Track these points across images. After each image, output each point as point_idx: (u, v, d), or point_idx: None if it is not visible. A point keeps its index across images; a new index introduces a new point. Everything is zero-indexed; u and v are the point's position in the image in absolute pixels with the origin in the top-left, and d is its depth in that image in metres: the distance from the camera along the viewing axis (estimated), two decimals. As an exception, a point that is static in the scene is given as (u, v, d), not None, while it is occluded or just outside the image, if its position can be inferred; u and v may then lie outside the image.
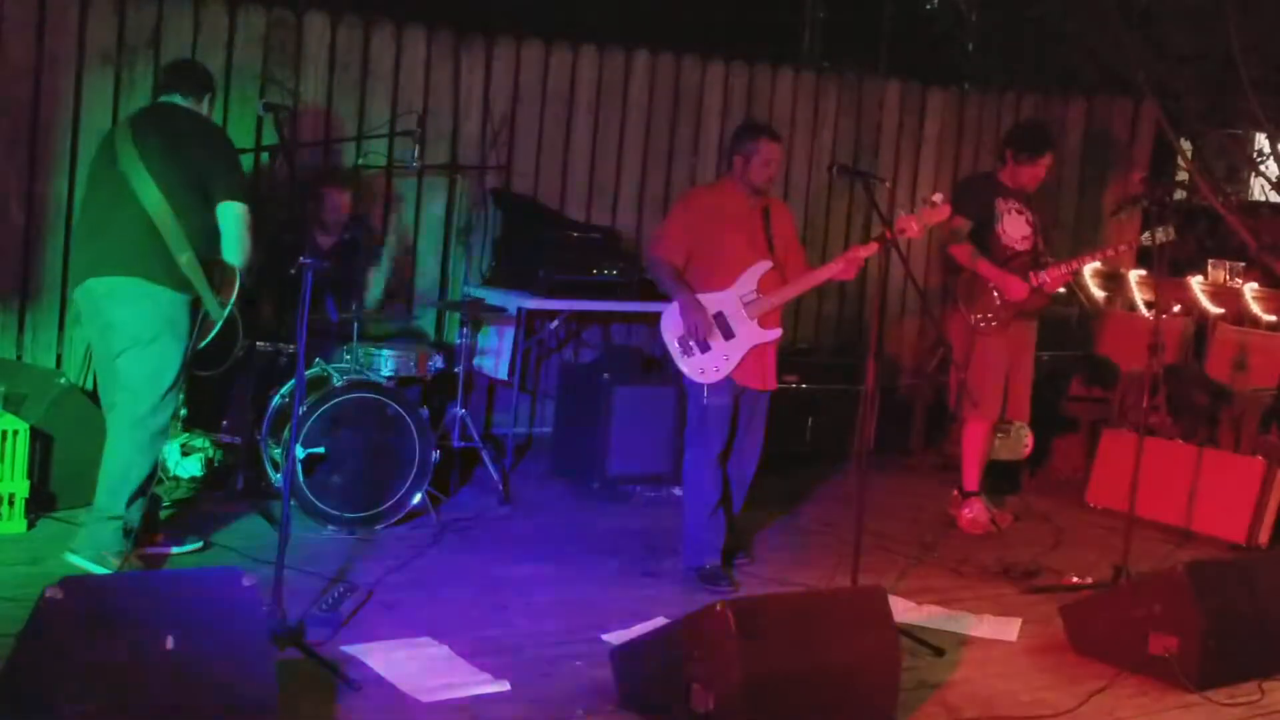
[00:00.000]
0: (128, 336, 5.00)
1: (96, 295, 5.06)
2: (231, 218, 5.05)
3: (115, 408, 5.09)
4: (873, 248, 5.48)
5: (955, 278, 6.78)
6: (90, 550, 4.97)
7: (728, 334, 5.54)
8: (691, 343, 5.53)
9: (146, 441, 5.05)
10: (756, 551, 6.11)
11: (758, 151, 5.59)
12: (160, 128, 5.09)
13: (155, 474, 5.22)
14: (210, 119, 5.32)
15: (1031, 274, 6.61)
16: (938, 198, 5.54)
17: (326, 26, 7.19)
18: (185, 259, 4.96)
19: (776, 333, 5.64)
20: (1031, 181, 6.74)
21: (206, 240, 5.03)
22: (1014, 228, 6.68)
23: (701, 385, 5.56)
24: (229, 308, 5.10)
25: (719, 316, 5.54)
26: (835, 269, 5.61)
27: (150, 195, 4.94)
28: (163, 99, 5.25)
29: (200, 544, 5.47)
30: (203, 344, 5.14)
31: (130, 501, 5.02)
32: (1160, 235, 6.39)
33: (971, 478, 6.81)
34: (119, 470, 5.02)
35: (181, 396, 5.28)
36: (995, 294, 6.61)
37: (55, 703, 3.28)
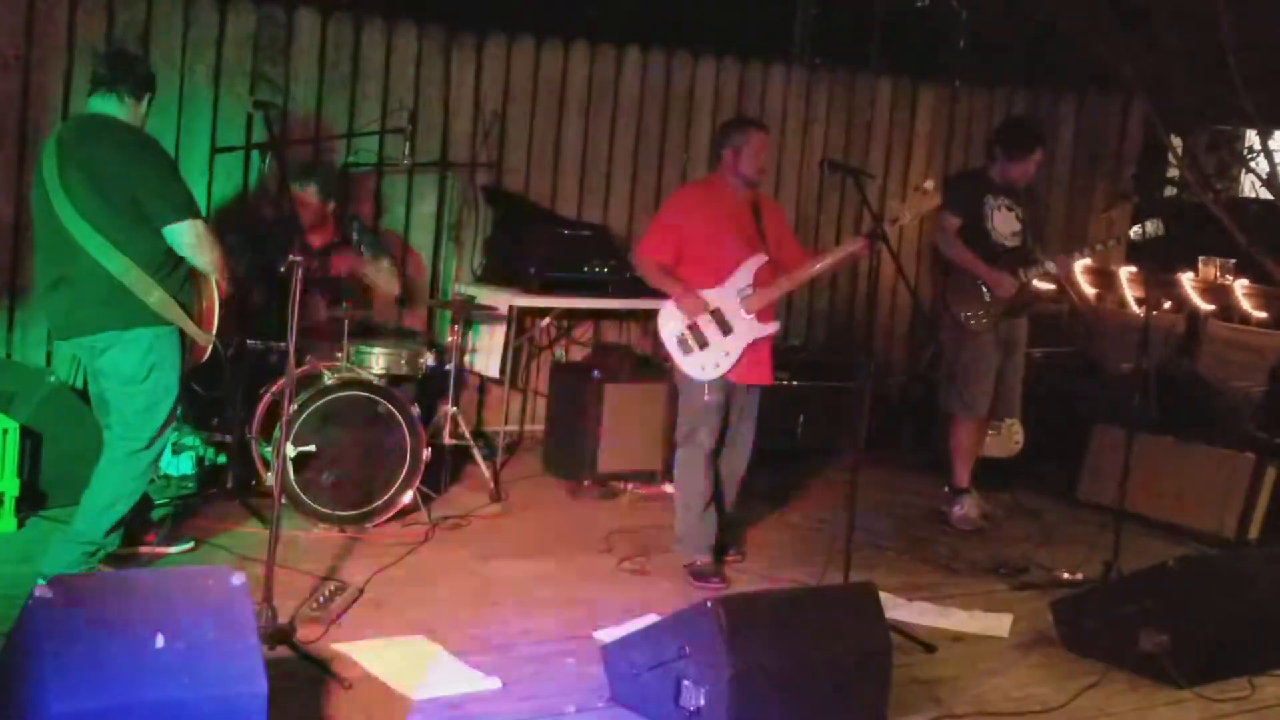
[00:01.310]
0: (120, 379, 4.88)
1: (79, 349, 5.00)
2: (180, 240, 4.78)
3: (111, 440, 4.97)
4: (862, 242, 5.47)
5: (944, 275, 6.78)
6: (53, 572, 4.85)
7: (725, 330, 5.53)
8: (691, 340, 5.52)
9: (139, 472, 4.95)
10: (748, 548, 6.11)
11: (748, 143, 5.59)
12: (83, 157, 4.74)
13: (142, 502, 5.12)
14: (140, 131, 4.91)
15: (1021, 271, 6.62)
16: (928, 185, 5.51)
17: (317, 23, 7.18)
18: (155, 299, 4.78)
19: (774, 326, 5.64)
20: (1021, 178, 6.75)
21: (170, 263, 4.81)
22: (1003, 224, 6.69)
23: (701, 383, 5.55)
24: (214, 329, 4.99)
25: (715, 313, 5.53)
26: (829, 261, 5.61)
27: (96, 244, 4.70)
28: (95, 101, 4.88)
29: (191, 544, 5.46)
30: (195, 365, 5.08)
31: (109, 531, 4.91)
32: (1150, 228, 6.40)
33: (962, 475, 6.82)
34: (106, 500, 4.90)
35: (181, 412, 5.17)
36: (984, 291, 6.62)
37: (45, 702, 3.27)
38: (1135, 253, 9.60)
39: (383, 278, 6.70)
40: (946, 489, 6.91)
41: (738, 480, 5.79)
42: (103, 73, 4.96)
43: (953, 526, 6.75)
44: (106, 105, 4.88)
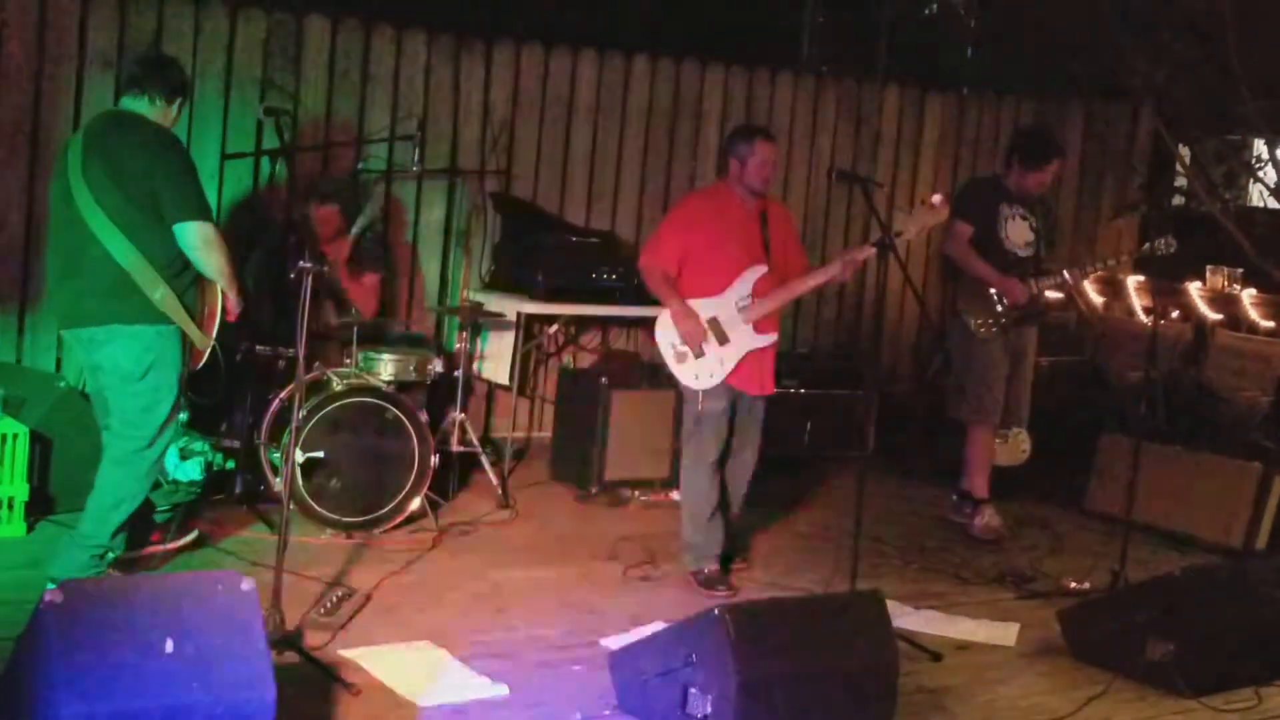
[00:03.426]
0: (118, 375, 4.88)
1: (80, 341, 5.01)
2: (189, 240, 4.79)
3: (113, 440, 4.98)
4: (868, 250, 5.43)
5: (956, 282, 6.76)
6: (62, 575, 4.87)
7: (722, 339, 5.52)
8: (685, 348, 5.52)
9: (143, 472, 4.95)
10: (754, 556, 6.12)
11: (754, 153, 5.56)
12: (108, 148, 4.78)
13: (145, 505, 5.12)
14: (167, 131, 4.93)
15: (1033, 280, 6.59)
16: (936, 199, 5.49)
17: (327, 31, 7.21)
18: (159, 295, 4.79)
19: (772, 337, 5.62)
20: (1037, 188, 6.70)
21: (179, 264, 4.84)
22: (1017, 233, 6.65)
23: (696, 390, 5.55)
24: (214, 335, 5.00)
25: (713, 322, 5.51)
26: (832, 272, 5.57)
27: (109, 234, 4.73)
28: (125, 100, 4.94)
29: (196, 534, 5.49)
30: (193, 371, 5.07)
31: (116, 533, 4.92)
32: (1161, 246, 6.38)
33: (979, 485, 6.76)
34: (110, 500, 4.90)
35: (183, 417, 5.17)
36: (995, 298, 6.60)
37: (55, 706, 3.28)
38: (1143, 262, 9.58)
39: (358, 296, 6.65)
40: (955, 496, 6.90)
41: (743, 488, 5.78)
42: (135, 73, 5.03)
43: (976, 537, 6.69)
44: (137, 105, 4.93)
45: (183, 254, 4.84)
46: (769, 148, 5.61)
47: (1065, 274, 6.70)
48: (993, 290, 6.58)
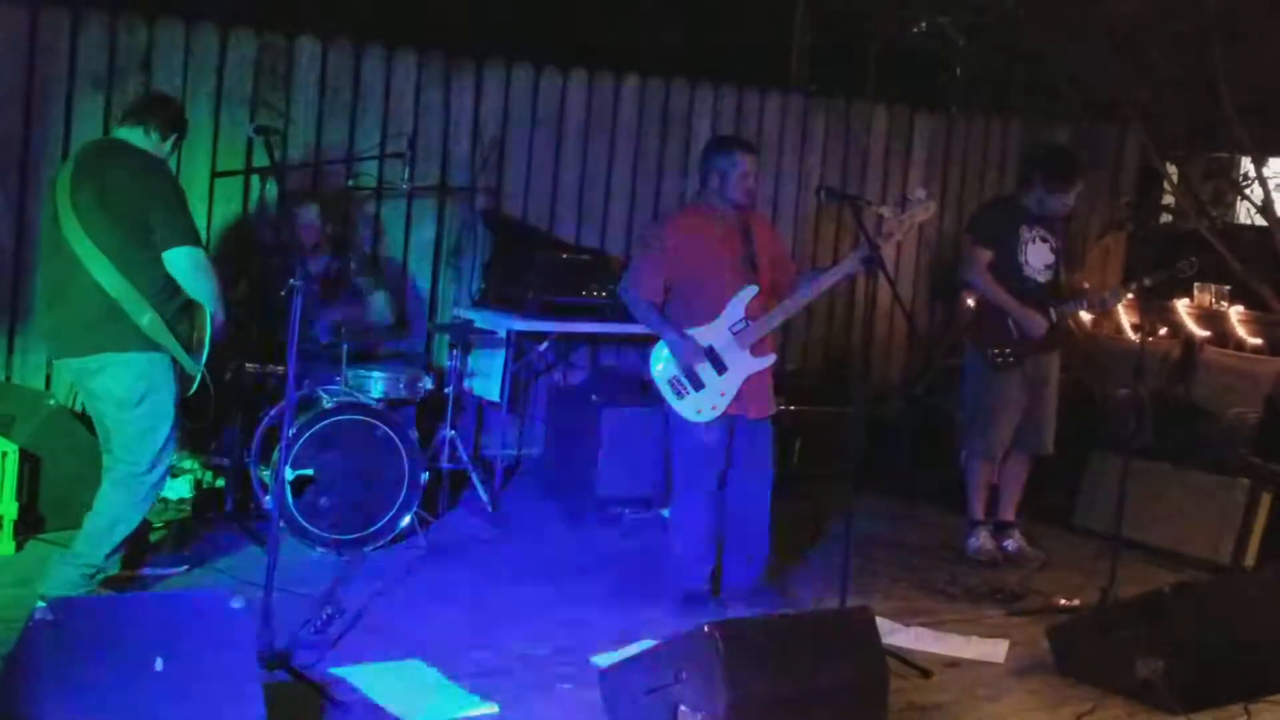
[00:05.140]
0: (113, 403, 4.89)
1: (72, 370, 5.02)
2: (180, 266, 4.81)
3: (114, 464, 4.97)
4: (860, 261, 5.25)
5: (972, 308, 6.64)
6: (53, 593, 4.82)
7: (720, 368, 5.36)
8: (684, 382, 5.37)
9: (142, 495, 4.95)
10: (745, 573, 6.11)
11: (735, 166, 5.37)
12: (97, 176, 4.80)
13: (141, 525, 5.11)
14: (156, 158, 4.94)
15: (1052, 309, 6.47)
16: (921, 192, 5.34)
17: (317, 50, 7.23)
18: (147, 321, 4.79)
19: (770, 359, 5.48)
20: (1060, 209, 6.55)
21: (168, 290, 4.84)
22: (1036, 256, 6.50)
23: (697, 424, 5.41)
24: (203, 360, 4.99)
25: (709, 351, 5.36)
26: (821, 287, 5.45)
27: (96, 262, 4.74)
28: (120, 130, 4.99)
29: (186, 567, 5.47)
30: (183, 397, 5.05)
31: (110, 553, 4.92)
32: (1186, 268, 6.37)
33: (976, 508, 6.73)
34: (107, 522, 4.90)
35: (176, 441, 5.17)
36: (1013, 328, 6.44)
37: (44, 725, 3.28)
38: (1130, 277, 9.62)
39: (376, 315, 6.73)
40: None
41: (762, 524, 5.56)
42: (133, 107, 5.09)
43: (969, 558, 6.62)
44: (131, 135, 4.95)
45: (170, 281, 4.84)
46: (750, 159, 5.42)
47: (1085, 301, 6.64)
48: (1011, 320, 6.45)
